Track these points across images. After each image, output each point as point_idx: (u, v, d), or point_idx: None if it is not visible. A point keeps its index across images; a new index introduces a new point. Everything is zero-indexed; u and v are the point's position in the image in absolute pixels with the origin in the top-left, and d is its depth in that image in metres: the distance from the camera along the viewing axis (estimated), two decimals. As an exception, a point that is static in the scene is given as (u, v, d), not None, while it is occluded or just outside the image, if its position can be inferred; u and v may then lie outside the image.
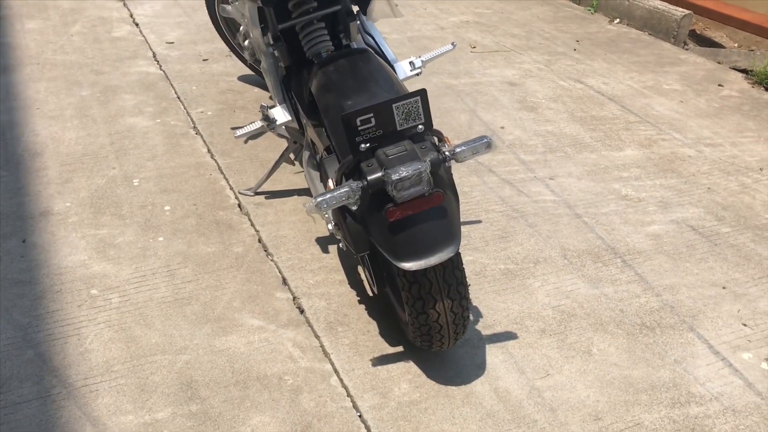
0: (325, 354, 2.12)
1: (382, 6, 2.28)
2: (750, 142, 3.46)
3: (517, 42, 4.53)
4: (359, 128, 1.66)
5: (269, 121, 2.26)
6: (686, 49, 4.60)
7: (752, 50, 4.55)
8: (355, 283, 2.40)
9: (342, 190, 1.67)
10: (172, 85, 3.69)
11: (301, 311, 2.28)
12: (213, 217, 2.69)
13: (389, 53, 2.35)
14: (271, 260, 2.49)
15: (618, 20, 5.00)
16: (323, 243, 2.57)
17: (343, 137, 1.73)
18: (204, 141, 3.19)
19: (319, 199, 1.66)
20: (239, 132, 2.49)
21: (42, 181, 2.85)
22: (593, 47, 4.52)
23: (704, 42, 4.82)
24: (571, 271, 2.52)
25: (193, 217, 2.69)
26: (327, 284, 2.39)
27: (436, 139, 1.80)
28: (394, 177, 1.62)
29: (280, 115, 2.29)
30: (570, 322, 2.30)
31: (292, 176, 2.94)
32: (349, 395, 1.99)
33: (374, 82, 1.89)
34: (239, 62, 3.85)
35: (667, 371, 2.12)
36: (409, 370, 2.08)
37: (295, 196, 2.84)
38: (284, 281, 2.40)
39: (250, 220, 2.69)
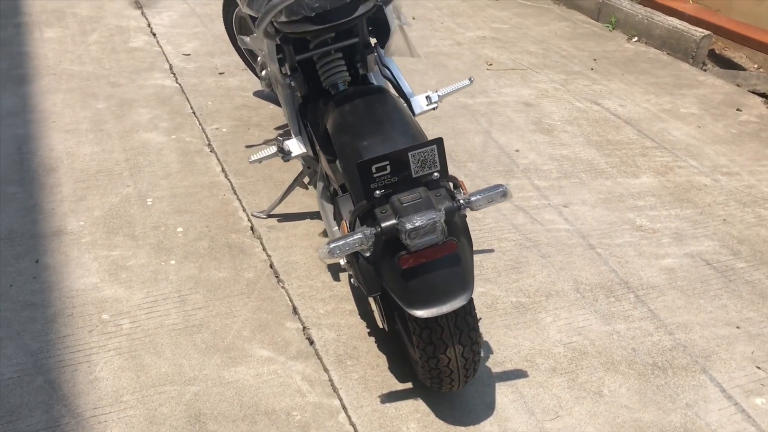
0: (334, 389, 2.12)
1: (400, 44, 2.27)
2: (768, 171, 3.43)
3: (533, 60, 4.51)
4: (374, 175, 1.66)
5: (284, 153, 2.26)
6: (705, 71, 4.57)
7: (772, 73, 4.50)
8: (365, 314, 2.39)
9: (355, 237, 1.66)
10: (187, 99, 3.69)
11: (311, 342, 2.27)
12: (225, 240, 2.69)
13: (406, 87, 2.34)
14: (282, 287, 2.49)
15: (636, 38, 4.96)
16: (334, 271, 2.57)
17: (358, 181, 1.72)
18: (218, 159, 3.19)
19: (333, 245, 1.65)
20: (253, 157, 2.49)
21: (56, 199, 2.86)
22: (611, 66, 4.49)
23: (723, 62, 4.78)
24: (583, 306, 2.50)
25: (205, 240, 2.69)
26: (337, 314, 2.38)
27: (451, 185, 1.79)
28: (408, 226, 1.62)
29: (296, 147, 2.28)
30: (581, 360, 2.28)
31: (305, 199, 2.94)
32: (356, 433, 1.99)
33: (390, 125, 1.88)
34: (254, 77, 3.84)
35: (679, 415, 2.10)
36: (417, 408, 2.07)
37: (308, 220, 2.83)
38: (294, 310, 2.39)
39: (262, 244, 2.69)
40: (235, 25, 3.42)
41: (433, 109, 2.37)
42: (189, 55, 4.21)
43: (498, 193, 1.71)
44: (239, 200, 2.93)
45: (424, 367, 1.86)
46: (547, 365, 2.25)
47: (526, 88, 4.11)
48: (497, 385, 2.16)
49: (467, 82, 2.43)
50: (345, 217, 1.91)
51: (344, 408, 2.06)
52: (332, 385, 2.13)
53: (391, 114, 1.92)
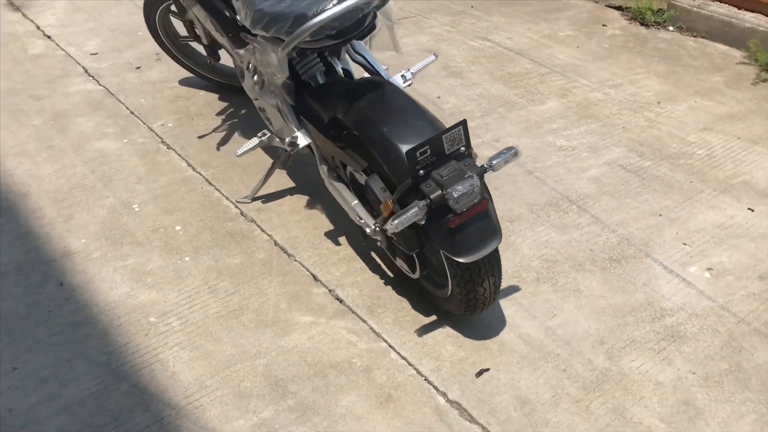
0: (377, 334, 2.52)
1: (384, 39, 2.59)
2: (643, 78, 4.07)
3: (419, 5, 4.89)
4: (418, 159, 2.04)
5: (293, 146, 2.57)
6: (565, -7, 5.15)
7: (620, -13, 5.15)
8: (374, 267, 2.79)
9: (413, 210, 2.06)
10: (119, 100, 3.80)
11: (341, 301, 2.65)
12: (224, 229, 2.97)
13: (382, 71, 2.68)
14: (295, 261, 2.82)
15: (499, -30, 5.44)
16: (333, 237, 2.93)
17: (397, 164, 2.11)
18: (179, 155, 3.39)
19: (396, 221, 2.04)
20: (240, 150, 2.79)
21: (44, 222, 2.99)
22: (487, 1, 4.97)
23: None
24: (541, 223, 3.02)
25: (206, 233, 2.95)
26: (352, 273, 2.76)
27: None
28: (455, 194, 2.03)
29: (302, 139, 2.60)
30: (555, 267, 2.81)
31: (278, 178, 3.23)
32: (410, 365, 2.42)
33: (411, 114, 2.25)
34: (173, 65, 3.99)
35: (641, 294, 2.69)
36: (448, 334, 2.52)
37: (288, 196, 3.14)
38: (315, 278, 2.74)
39: (258, 226, 2.98)
40: (161, 22, 3.55)
41: (408, 86, 2.74)
42: (96, 54, 4.25)
43: (511, 154, 2.17)
44: (218, 190, 3.18)
45: (462, 300, 2.31)
46: (531, 277, 2.76)
47: (422, 35, 4.52)
48: (500, 302, 2.65)
49: (433, 57, 2.81)
50: (378, 194, 2.29)
51: (392, 347, 2.47)
52: (374, 331, 2.53)
53: (406, 104, 2.29)
